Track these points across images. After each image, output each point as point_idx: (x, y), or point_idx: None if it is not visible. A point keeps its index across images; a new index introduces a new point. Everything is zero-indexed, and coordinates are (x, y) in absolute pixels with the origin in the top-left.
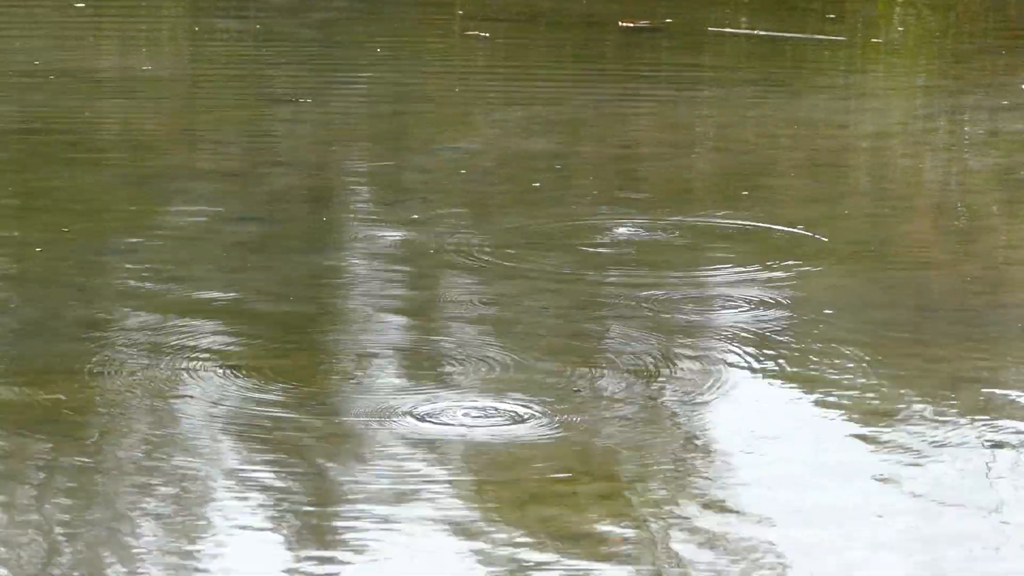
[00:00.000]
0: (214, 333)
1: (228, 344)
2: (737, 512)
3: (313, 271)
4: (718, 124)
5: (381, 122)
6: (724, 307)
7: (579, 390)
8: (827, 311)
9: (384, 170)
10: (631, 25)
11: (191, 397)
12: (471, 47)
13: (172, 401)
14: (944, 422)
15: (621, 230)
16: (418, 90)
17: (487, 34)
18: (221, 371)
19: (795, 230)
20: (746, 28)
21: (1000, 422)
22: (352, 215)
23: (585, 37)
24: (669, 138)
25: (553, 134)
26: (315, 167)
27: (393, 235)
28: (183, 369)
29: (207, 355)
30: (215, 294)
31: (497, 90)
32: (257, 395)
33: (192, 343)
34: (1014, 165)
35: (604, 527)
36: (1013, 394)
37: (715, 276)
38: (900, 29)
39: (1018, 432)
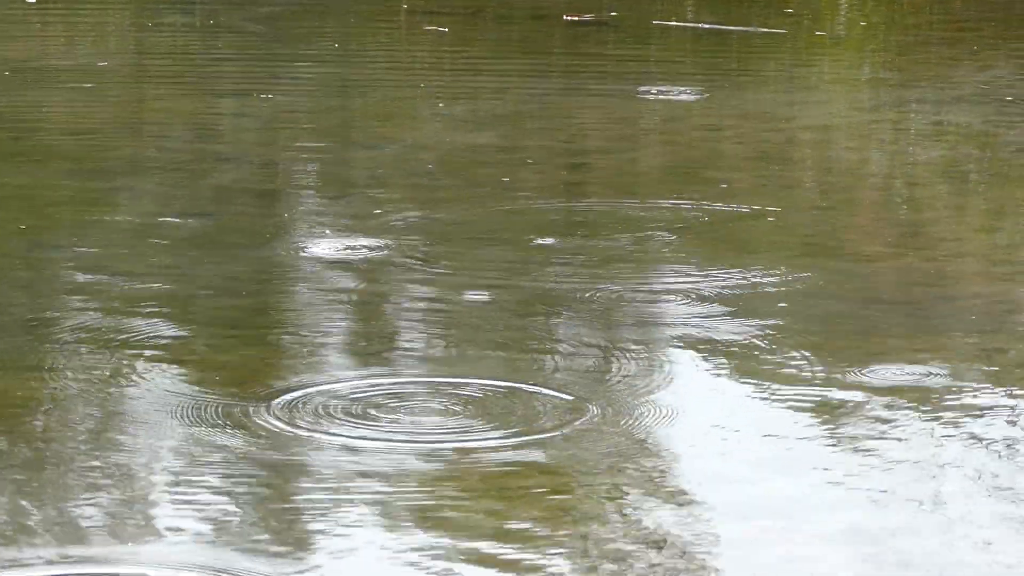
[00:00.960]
0: (160, 328)
1: (173, 339)
2: (682, 505)
3: (259, 266)
4: (663, 117)
5: (327, 116)
6: (672, 301)
7: (533, 384)
8: (774, 304)
9: (330, 164)
10: (576, 19)
11: (136, 393)
12: (417, 41)
13: (117, 397)
14: (890, 414)
15: (567, 223)
16: (364, 84)
17: (445, 29)
18: (166, 366)
19: (742, 223)
20: (691, 21)
21: (945, 415)
22: (298, 209)
23: (530, 31)
24: (615, 131)
25: (498, 128)
26: (261, 162)
27: (339, 230)
28: (128, 365)
29: (152, 350)
30: (161, 289)
31: (443, 84)
32: (202, 390)
33: (137, 338)
34: (958, 158)
35: (550, 521)
36: (959, 387)
37: (662, 269)
38: (844, 22)
39: (964, 425)
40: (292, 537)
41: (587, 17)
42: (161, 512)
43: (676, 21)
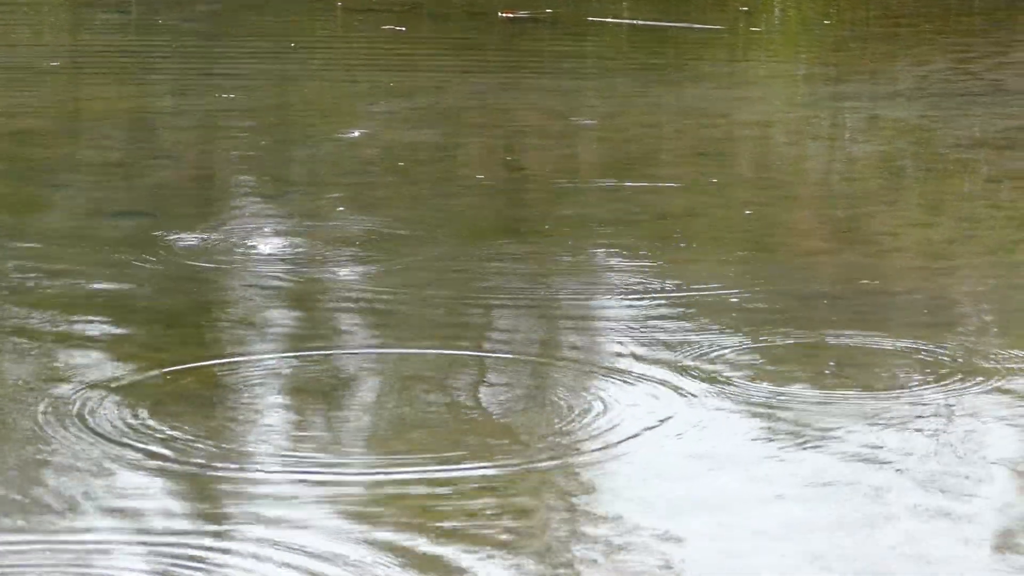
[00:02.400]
0: (97, 326)
1: (111, 337)
2: (614, 502)
3: (195, 265)
4: (600, 114)
5: (264, 114)
6: (608, 295)
7: (469, 379)
8: (712, 299)
9: (267, 162)
10: (511, 15)
11: (73, 391)
12: (353, 38)
13: (55, 395)
14: (826, 409)
15: (505, 219)
16: (301, 82)
17: (403, 28)
18: (104, 364)
19: (680, 219)
20: (626, 18)
21: (882, 409)
22: (236, 207)
23: (466, 27)
24: (552, 128)
25: (435, 125)
26: (198, 159)
27: (276, 227)
28: (66, 363)
29: (90, 348)
30: (99, 288)
31: (379, 81)
32: (138, 389)
33: (75, 337)
34: (894, 152)
35: (478, 519)
36: (896, 382)
37: (599, 265)
38: (781, 17)
39: (900, 419)
40: (224, 532)
41: (523, 14)
42: (96, 507)
43: (612, 18)
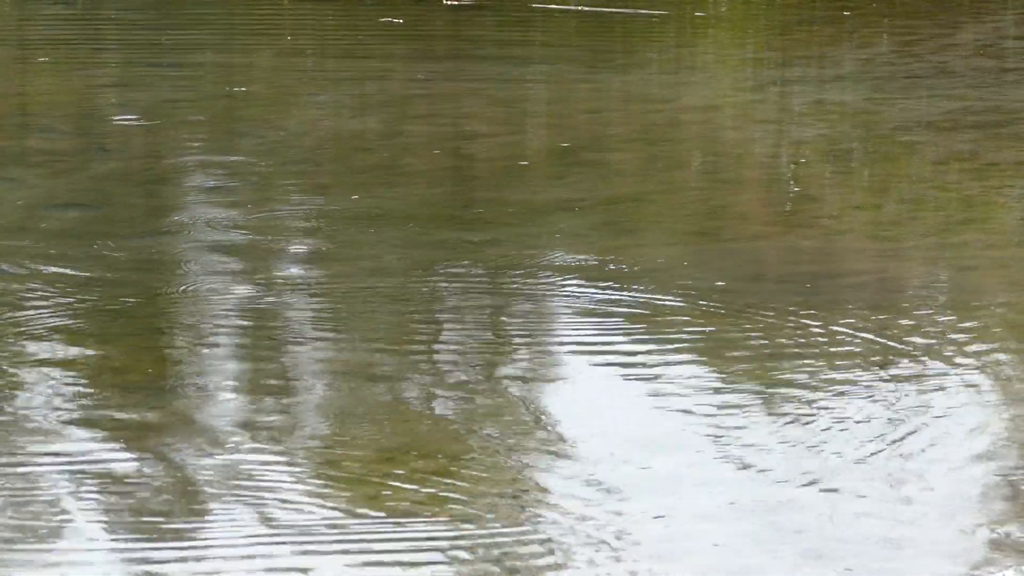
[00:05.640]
0: (42, 319)
1: (56, 330)
2: (559, 486)
3: (140, 256)
4: (546, 100)
5: (209, 104)
6: (559, 282)
7: (413, 373)
8: (658, 283)
9: (213, 152)
10: (456, 2)
11: (18, 384)
12: (299, 26)
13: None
14: (771, 391)
15: (452, 208)
16: (246, 71)
17: (400, 20)
18: (49, 356)
19: (626, 204)
20: (571, 4)
21: (827, 390)
22: (181, 199)
23: (411, 15)
24: (498, 115)
25: (381, 113)
26: (143, 151)
27: (222, 218)
28: (11, 356)
29: (35, 341)
30: (43, 280)
31: (325, 69)
32: (82, 382)
33: (20, 329)
34: (839, 136)
35: (428, 504)
36: (840, 363)
37: (546, 252)
38: (726, 2)
39: (844, 402)
40: (174, 527)
41: (467, 1)
42: (46, 505)
43: (556, 4)
